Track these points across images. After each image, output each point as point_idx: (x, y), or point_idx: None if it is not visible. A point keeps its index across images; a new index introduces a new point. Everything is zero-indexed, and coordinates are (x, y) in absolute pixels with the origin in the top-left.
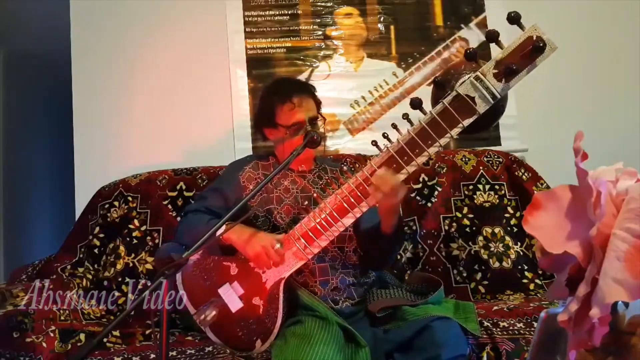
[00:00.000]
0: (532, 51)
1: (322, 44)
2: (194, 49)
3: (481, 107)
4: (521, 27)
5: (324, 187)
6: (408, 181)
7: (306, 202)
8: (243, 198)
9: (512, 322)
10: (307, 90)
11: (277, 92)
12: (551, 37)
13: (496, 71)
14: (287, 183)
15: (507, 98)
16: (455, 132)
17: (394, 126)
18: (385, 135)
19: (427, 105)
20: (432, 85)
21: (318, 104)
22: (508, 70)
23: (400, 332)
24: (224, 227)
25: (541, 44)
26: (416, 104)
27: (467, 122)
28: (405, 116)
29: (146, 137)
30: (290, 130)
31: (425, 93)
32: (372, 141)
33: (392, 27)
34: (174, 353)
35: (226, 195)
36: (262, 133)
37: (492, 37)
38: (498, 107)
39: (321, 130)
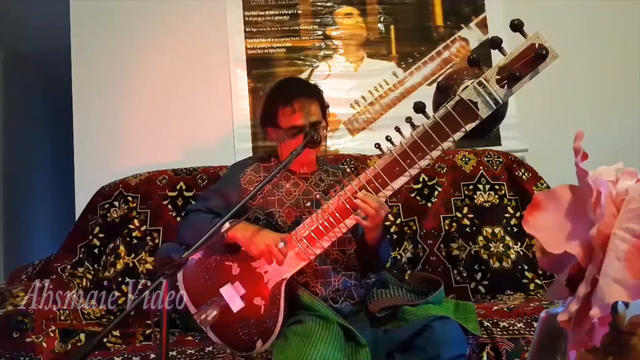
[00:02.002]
0: (534, 58)
1: (322, 44)
2: (194, 49)
3: (484, 112)
4: (524, 34)
5: (327, 188)
6: (408, 181)
7: (308, 204)
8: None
9: (512, 322)
10: (312, 93)
11: (280, 93)
12: (551, 37)
13: (499, 77)
14: (288, 186)
15: (507, 104)
16: (457, 136)
17: (397, 129)
18: (389, 138)
19: (427, 108)
20: (432, 86)
21: (324, 107)
22: (511, 77)
23: (400, 332)
24: (227, 224)
25: (543, 52)
26: (419, 108)
27: (469, 127)
28: (409, 119)
29: (146, 137)
30: (288, 133)
31: (425, 93)
32: (376, 144)
33: (392, 27)
34: (174, 353)
35: (227, 197)
36: (265, 131)
37: (496, 44)
38: (498, 112)
39: (325, 133)
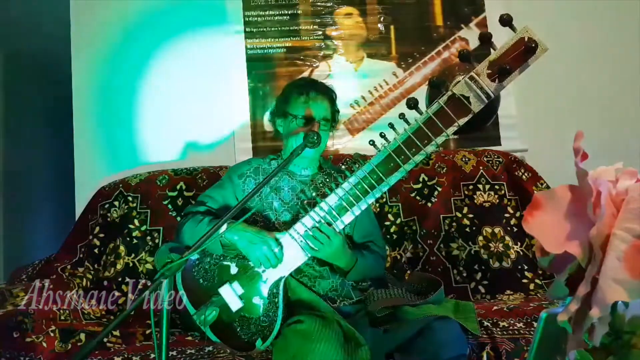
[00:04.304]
0: (524, 52)
1: (322, 44)
2: (193, 48)
3: (476, 107)
4: (513, 28)
5: (326, 191)
6: (408, 181)
7: (306, 201)
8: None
9: (512, 322)
10: (327, 93)
11: (298, 85)
12: (551, 37)
13: (490, 71)
14: (287, 189)
15: (499, 98)
16: (450, 130)
17: (391, 126)
18: (383, 134)
19: (422, 105)
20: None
21: (334, 111)
22: (501, 71)
23: (400, 332)
24: (225, 226)
25: (533, 45)
26: (412, 104)
27: (462, 121)
28: (402, 116)
29: (146, 137)
30: (295, 117)
31: (424, 93)
32: (370, 141)
33: (392, 27)
34: (174, 353)
35: (226, 198)
36: (274, 123)
37: (485, 39)
38: (491, 106)
39: (330, 134)
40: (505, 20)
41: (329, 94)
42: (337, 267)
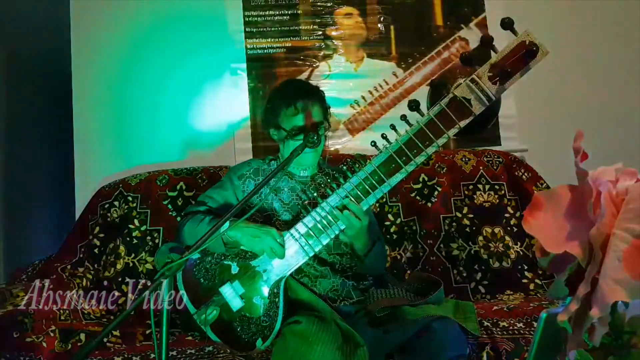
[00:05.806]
0: (525, 55)
1: (322, 44)
2: (194, 48)
3: (477, 109)
4: (514, 32)
5: (325, 191)
6: (408, 181)
7: (306, 202)
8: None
9: (512, 322)
10: (314, 96)
11: (283, 95)
12: (551, 38)
13: (491, 74)
14: (287, 189)
15: (500, 100)
16: (452, 132)
17: (393, 127)
18: (384, 136)
19: (423, 107)
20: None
21: (325, 109)
22: (502, 74)
23: (400, 333)
24: (227, 224)
25: (534, 48)
26: (414, 106)
27: (463, 123)
28: (404, 117)
29: (146, 137)
30: (290, 134)
31: (424, 93)
32: (372, 142)
33: (392, 27)
34: (174, 353)
35: (226, 198)
36: (267, 132)
37: (487, 42)
38: (492, 108)
39: (327, 134)
40: (507, 24)
41: (316, 97)
42: (353, 249)
